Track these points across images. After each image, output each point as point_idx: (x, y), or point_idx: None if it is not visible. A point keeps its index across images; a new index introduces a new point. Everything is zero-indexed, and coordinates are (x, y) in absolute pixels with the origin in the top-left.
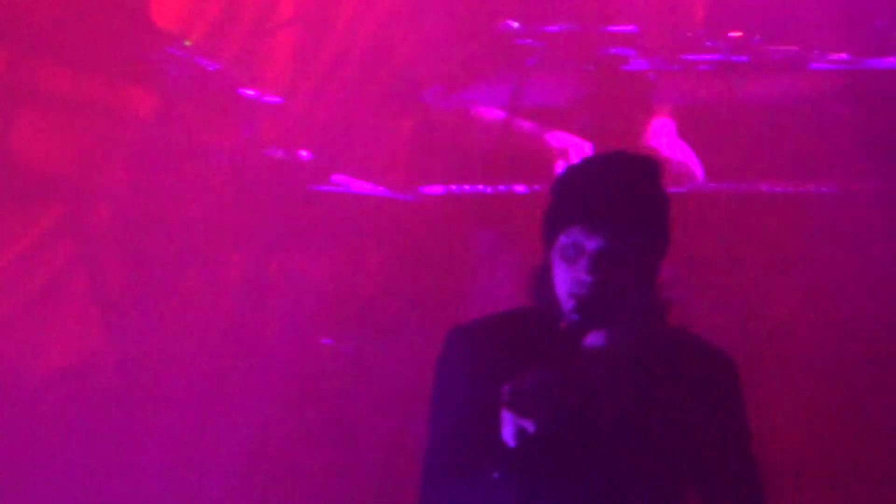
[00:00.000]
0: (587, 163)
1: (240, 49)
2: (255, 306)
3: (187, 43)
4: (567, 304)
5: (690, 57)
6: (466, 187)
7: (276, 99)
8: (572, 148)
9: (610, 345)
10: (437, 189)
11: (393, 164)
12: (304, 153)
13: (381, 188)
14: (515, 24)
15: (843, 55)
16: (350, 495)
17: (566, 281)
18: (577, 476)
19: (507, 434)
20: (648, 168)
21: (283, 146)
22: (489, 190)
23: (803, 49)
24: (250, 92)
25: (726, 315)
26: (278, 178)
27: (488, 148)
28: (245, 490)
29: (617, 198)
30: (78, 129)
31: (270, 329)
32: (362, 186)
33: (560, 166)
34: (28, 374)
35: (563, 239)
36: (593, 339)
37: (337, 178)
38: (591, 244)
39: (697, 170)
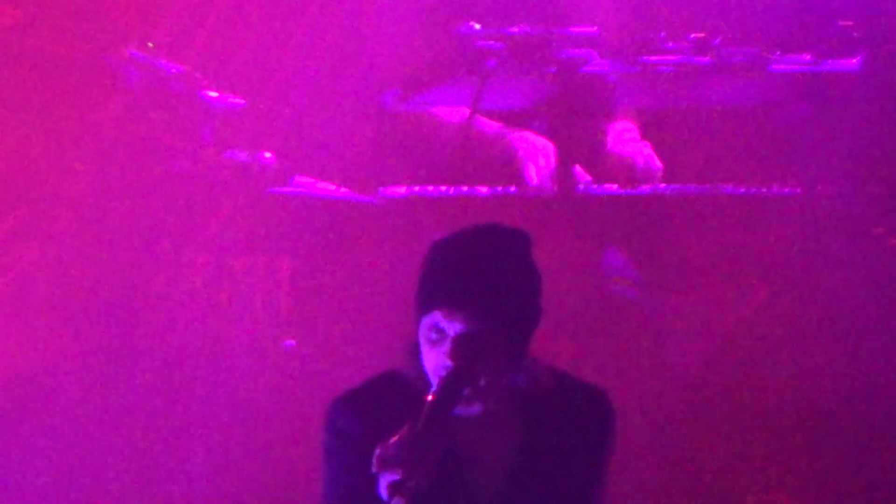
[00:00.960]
0: (451, 240)
1: (202, 51)
2: (219, 308)
3: (150, 45)
4: (434, 382)
5: (651, 59)
6: (429, 189)
7: (239, 101)
8: (535, 148)
9: (477, 415)
10: (399, 191)
11: (355, 166)
12: (266, 155)
13: (343, 190)
14: (476, 26)
15: (805, 56)
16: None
17: (431, 361)
18: None
19: (381, 490)
20: (512, 245)
21: (245, 148)
22: (452, 192)
23: (764, 50)
24: (213, 94)
25: (687, 317)
26: (241, 180)
27: (450, 150)
28: (211, 491)
29: (478, 279)
30: (40, 133)
31: (234, 330)
32: (325, 189)
33: (525, 168)
34: None
35: (425, 321)
36: (460, 411)
37: (299, 180)
38: (452, 329)
39: (657, 171)
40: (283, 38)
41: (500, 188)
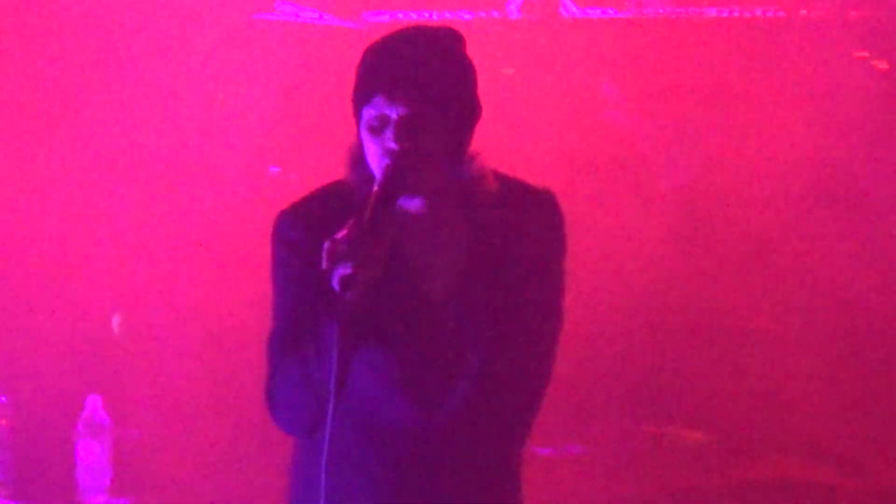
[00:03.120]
0: (389, 37)
1: None
2: (210, 136)
3: None
4: (378, 175)
5: None
6: (413, 14)
7: None
8: None
9: (423, 210)
10: (382, 16)
11: None
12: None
13: (326, 16)
14: None
15: None
16: None
17: (376, 153)
18: (401, 333)
19: (334, 284)
20: (449, 37)
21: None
22: (433, 15)
23: None
24: None
25: (672, 145)
26: (224, 7)
27: None
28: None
29: (416, 64)
30: None
31: (223, 158)
32: (307, 14)
33: None
34: None
35: (366, 112)
36: (406, 203)
37: (282, 6)
38: (394, 112)
39: None
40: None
41: (482, 12)
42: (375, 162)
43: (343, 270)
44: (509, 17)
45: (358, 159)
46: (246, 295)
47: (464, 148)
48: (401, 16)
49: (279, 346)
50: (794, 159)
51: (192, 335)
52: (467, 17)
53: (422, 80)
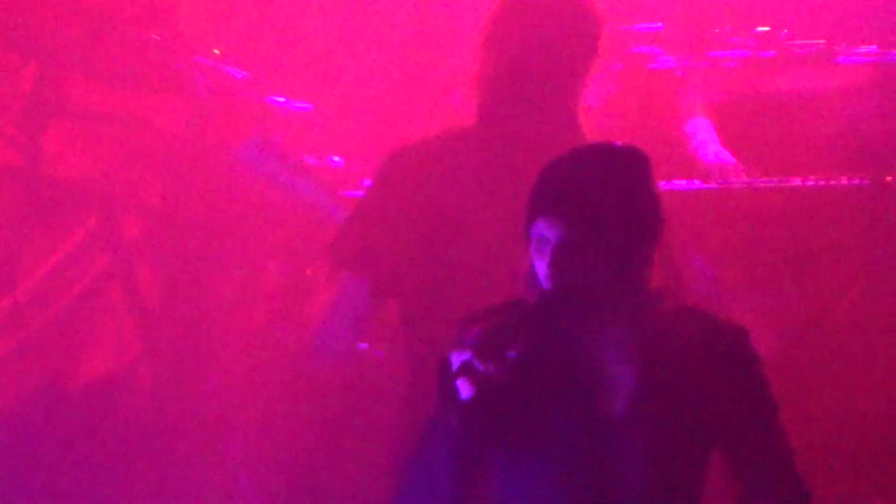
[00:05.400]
0: (563, 157)
1: (268, 57)
2: (291, 313)
3: (216, 52)
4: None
5: (717, 54)
6: None
7: (306, 105)
8: None
9: (590, 328)
10: None
11: None
12: (335, 159)
13: None
14: None
15: (871, 47)
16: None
17: (540, 272)
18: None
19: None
20: (628, 159)
21: (314, 153)
22: None
23: (830, 42)
24: (280, 99)
25: (763, 311)
26: None
27: None
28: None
29: (578, 188)
30: (108, 140)
31: (306, 335)
32: None
33: None
34: (64, 387)
35: (532, 233)
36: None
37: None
38: (553, 235)
39: (737, 168)
40: (348, 41)
41: None
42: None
43: (462, 357)
44: None
45: (532, 280)
46: None
47: (641, 272)
48: None
49: None
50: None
51: None
52: None
53: (586, 203)
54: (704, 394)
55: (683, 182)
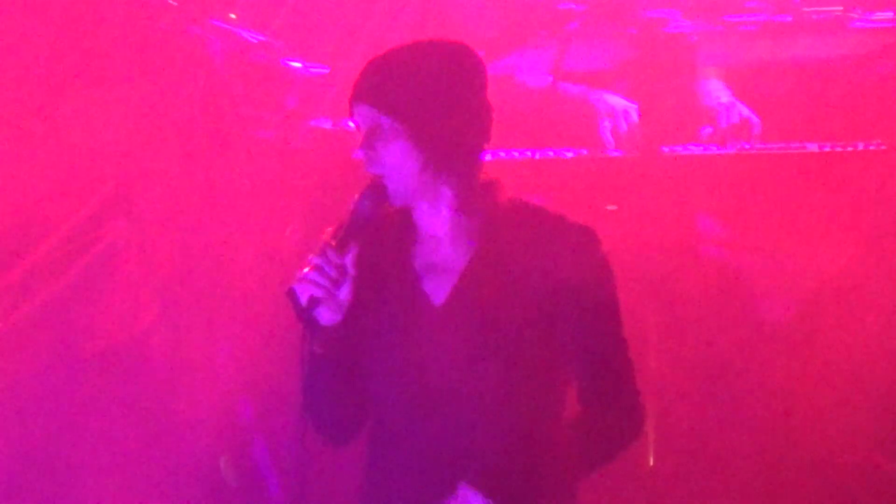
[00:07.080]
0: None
1: (284, 20)
2: None
3: (231, 15)
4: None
5: (732, 18)
6: (515, 153)
7: (322, 69)
8: (615, 110)
9: (424, 219)
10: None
11: None
12: (351, 123)
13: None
14: None
15: (887, 13)
16: None
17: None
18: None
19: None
20: (436, 53)
21: (330, 116)
22: (537, 156)
23: (846, 8)
24: (296, 63)
25: (773, 276)
26: (326, 148)
27: (534, 113)
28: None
29: (379, 73)
30: (124, 106)
31: None
32: None
33: (605, 129)
34: (79, 353)
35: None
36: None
37: None
38: (356, 120)
39: (755, 126)
40: (365, 4)
41: (584, 150)
42: None
43: (308, 291)
44: (609, 154)
45: None
46: None
47: (444, 163)
48: (502, 154)
49: None
50: None
51: None
52: (569, 154)
53: (380, 87)
54: (539, 286)
55: (700, 147)
